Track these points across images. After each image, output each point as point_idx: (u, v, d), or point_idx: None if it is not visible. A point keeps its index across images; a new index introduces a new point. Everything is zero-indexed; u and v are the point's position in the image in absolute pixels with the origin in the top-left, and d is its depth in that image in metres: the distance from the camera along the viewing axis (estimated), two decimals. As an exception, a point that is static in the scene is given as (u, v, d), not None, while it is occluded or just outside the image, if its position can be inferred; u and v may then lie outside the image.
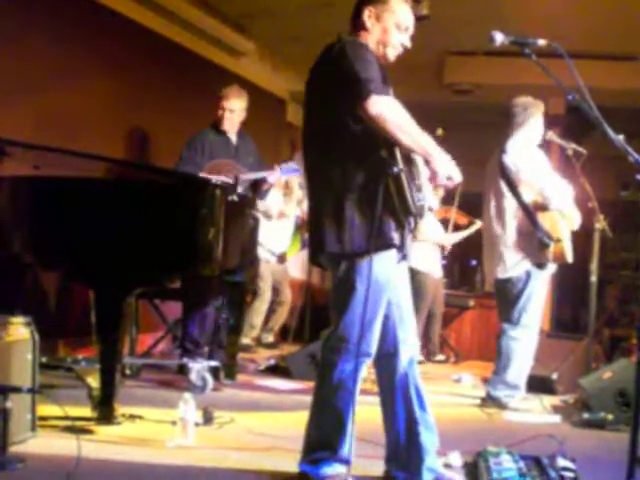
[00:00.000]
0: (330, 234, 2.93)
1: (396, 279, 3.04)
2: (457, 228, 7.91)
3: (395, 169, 2.81)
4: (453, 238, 7.85)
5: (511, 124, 5.14)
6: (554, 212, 5.00)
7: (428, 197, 2.97)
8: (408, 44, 3.10)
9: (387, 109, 2.81)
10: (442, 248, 7.69)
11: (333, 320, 3.03)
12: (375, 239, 2.85)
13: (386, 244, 2.90)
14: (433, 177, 2.91)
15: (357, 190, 2.89)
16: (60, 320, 5.66)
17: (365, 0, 3.08)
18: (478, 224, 7.43)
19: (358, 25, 3.08)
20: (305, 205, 7.63)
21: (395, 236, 2.91)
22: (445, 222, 7.82)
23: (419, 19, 6.90)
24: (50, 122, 5.40)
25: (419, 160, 2.96)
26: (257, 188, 5.63)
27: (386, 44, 3.05)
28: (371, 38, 3.05)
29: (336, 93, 2.89)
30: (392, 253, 2.96)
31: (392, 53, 3.08)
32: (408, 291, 3.15)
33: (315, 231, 3.03)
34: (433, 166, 2.87)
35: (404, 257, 3.06)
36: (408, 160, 2.89)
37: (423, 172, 2.96)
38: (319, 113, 3.02)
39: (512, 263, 5.05)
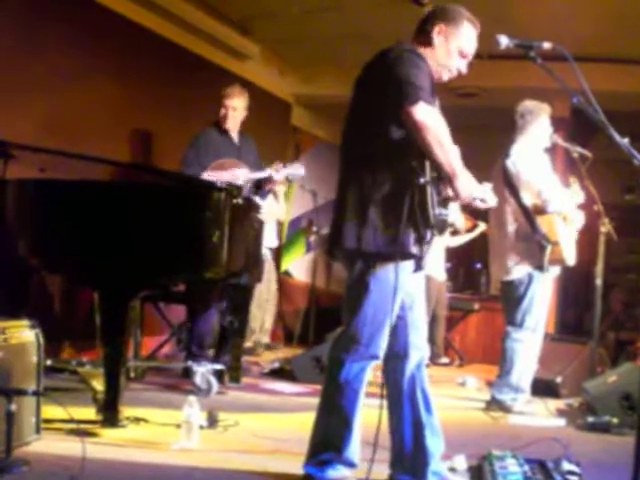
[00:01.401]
0: (350, 230, 2.93)
1: (410, 283, 3.04)
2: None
3: (422, 180, 2.82)
4: (458, 241, 7.87)
5: (515, 128, 5.18)
6: (552, 215, 5.01)
7: (453, 213, 2.97)
8: (464, 70, 3.11)
9: (431, 119, 2.80)
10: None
11: (344, 320, 3.03)
12: (395, 247, 2.85)
13: (404, 254, 2.90)
14: (455, 197, 2.92)
15: (383, 194, 2.89)
16: (65, 323, 5.67)
17: (439, 15, 3.06)
18: (482, 227, 7.45)
19: (423, 38, 3.06)
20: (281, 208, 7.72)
21: (414, 247, 2.90)
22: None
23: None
24: (55, 125, 5.41)
25: None
26: (260, 187, 5.66)
27: (445, 66, 3.06)
28: (432, 55, 3.03)
29: (384, 95, 2.89)
30: (411, 261, 2.96)
31: (447, 75, 3.09)
32: (422, 295, 3.16)
33: (336, 225, 3.03)
34: (457, 186, 2.86)
35: (420, 267, 3.06)
36: (438, 174, 2.89)
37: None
38: (363, 112, 3.01)
39: (513, 265, 5.07)
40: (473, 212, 7.71)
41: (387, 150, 2.91)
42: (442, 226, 2.94)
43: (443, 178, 2.88)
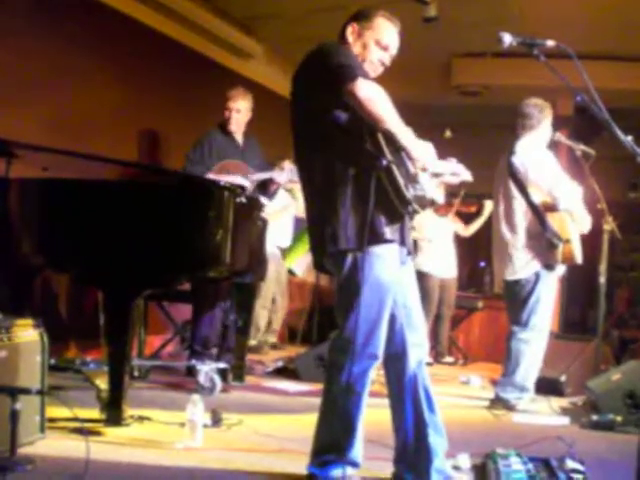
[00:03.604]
0: (327, 235, 2.94)
1: (401, 279, 3.03)
2: (470, 217, 7.92)
3: (384, 162, 2.83)
4: (472, 228, 7.87)
5: (523, 125, 5.12)
6: (563, 213, 4.99)
7: (428, 188, 2.96)
8: (387, 62, 3.15)
9: (374, 92, 2.84)
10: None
11: (338, 323, 3.03)
12: (367, 235, 2.85)
13: (378, 239, 2.90)
14: (421, 166, 2.94)
15: (349, 187, 2.90)
16: (69, 322, 5.68)
17: (352, 17, 3.15)
18: (489, 205, 7.24)
19: (342, 40, 3.13)
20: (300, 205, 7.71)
21: (387, 230, 2.91)
22: (460, 216, 7.86)
23: (427, 21, 6.98)
24: (59, 124, 5.42)
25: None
26: (265, 189, 5.66)
27: (364, 59, 3.09)
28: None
29: (322, 86, 2.92)
30: (392, 250, 2.96)
31: (370, 69, 3.09)
32: (416, 292, 3.15)
33: (314, 235, 3.06)
34: (416, 153, 2.91)
35: (408, 252, 3.06)
36: (397, 151, 2.90)
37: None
38: (306, 111, 3.04)
39: (521, 264, 5.04)
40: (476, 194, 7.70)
41: (340, 144, 2.93)
42: (421, 201, 2.94)
43: (402, 150, 2.89)
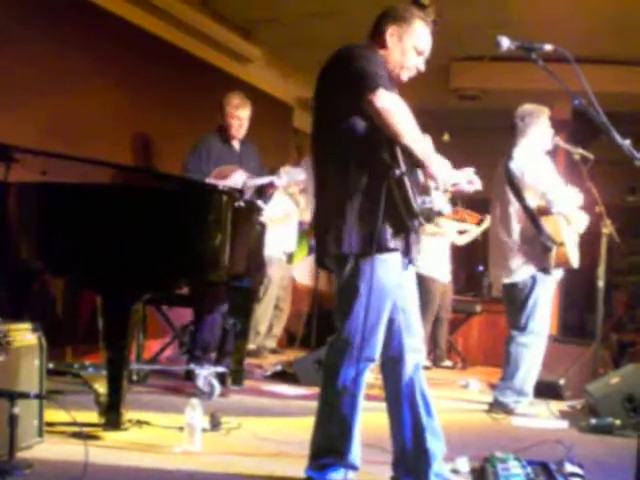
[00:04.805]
0: (331, 236, 2.94)
1: (401, 284, 3.03)
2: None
3: (397, 172, 2.81)
4: (465, 238, 7.87)
5: (514, 134, 5.18)
6: (557, 216, 5.01)
7: (437, 201, 2.96)
8: (422, 68, 3.11)
9: (394, 104, 2.80)
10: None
11: (337, 325, 3.03)
12: (372, 244, 2.85)
13: (383, 248, 2.89)
14: (434, 182, 2.93)
15: (359, 193, 2.89)
16: (68, 326, 5.67)
17: (389, 17, 3.07)
18: (488, 221, 7.31)
19: (378, 41, 3.06)
20: (308, 211, 7.71)
21: (393, 241, 2.90)
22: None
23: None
24: (56, 128, 5.41)
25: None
26: (262, 192, 5.68)
27: (402, 65, 3.05)
28: (388, 56, 3.03)
29: (343, 90, 2.89)
30: (396, 257, 2.95)
31: (406, 74, 3.08)
32: (415, 296, 3.15)
33: (319, 234, 3.05)
34: (432, 170, 2.89)
35: (410, 261, 3.06)
36: (412, 164, 2.89)
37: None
38: (325, 115, 3.02)
39: (517, 268, 5.06)
40: (477, 207, 7.71)
41: (357, 149, 2.91)
42: (428, 214, 2.93)
43: (418, 165, 2.88)
